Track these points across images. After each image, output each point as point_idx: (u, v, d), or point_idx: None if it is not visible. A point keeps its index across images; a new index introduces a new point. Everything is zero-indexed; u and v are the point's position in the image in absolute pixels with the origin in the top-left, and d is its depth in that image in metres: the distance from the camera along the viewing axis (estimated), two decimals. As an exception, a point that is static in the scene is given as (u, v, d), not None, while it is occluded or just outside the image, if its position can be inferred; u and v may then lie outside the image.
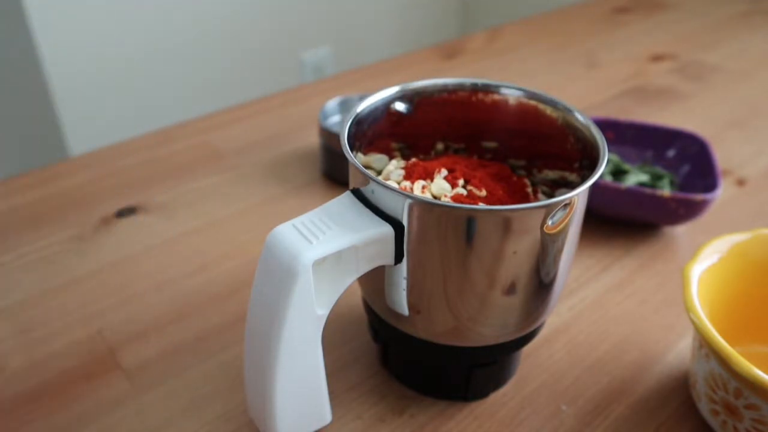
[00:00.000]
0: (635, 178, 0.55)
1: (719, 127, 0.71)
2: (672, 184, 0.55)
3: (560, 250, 0.33)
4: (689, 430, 0.38)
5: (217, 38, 1.48)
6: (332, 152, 0.58)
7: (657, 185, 0.54)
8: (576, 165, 0.38)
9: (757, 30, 0.97)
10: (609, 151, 0.59)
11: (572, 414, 0.39)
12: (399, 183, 0.36)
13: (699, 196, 0.49)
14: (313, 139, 0.66)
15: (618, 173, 0.56)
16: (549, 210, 0.31)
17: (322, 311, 0.32)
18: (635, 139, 0.59)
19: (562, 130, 0.38)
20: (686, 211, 0.50)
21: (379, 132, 0.39)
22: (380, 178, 0.37)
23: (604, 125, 0.59)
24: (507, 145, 0.41)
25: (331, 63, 1.76)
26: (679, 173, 0.57)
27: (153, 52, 1.40)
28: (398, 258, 0.32)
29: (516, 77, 0.81)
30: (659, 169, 0.57)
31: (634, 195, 0.50)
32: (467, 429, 0.38)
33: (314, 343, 0.32)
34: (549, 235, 0.32)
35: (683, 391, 0.41)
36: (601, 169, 0.32)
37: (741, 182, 0.61)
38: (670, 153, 0.58)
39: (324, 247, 0.30)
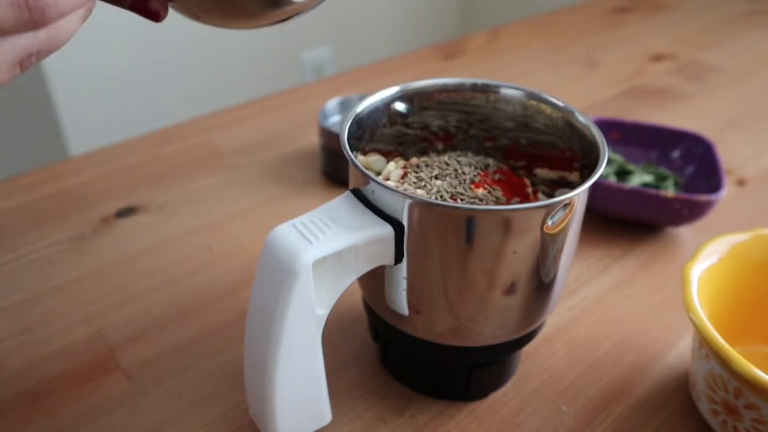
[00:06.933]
0: (639, 178, 0.55)
1: (719, 127, 0.71)
2: (676, 184, 0.55)
3: (560, 250, 0.33)
4: (689, 430, 0.38)
5: (217, 38, 1.48)
6: (332, 152, 0.58)
7: (661, 186, 0.54)
8: (576, 165, 0.38)
9: (757, 30, 0.97)
10: (614, 151, 0.59)
11: (572, 414, 0.39)
12: (399, 183, 0.37)
13: (703, 197, 0.49)
14: (313, 139, 0.66)
15: (622, 174, 0.56)
16: (549, 210, 0.31)
17: (322, 311, 0.32)
18: (640, 139, 0.59)
19: (562, 130, 0.38)
20: (690, 211, 0.50)
21: (378, 132, 0.39)
22: (380, 178, 0.37)
23: (609, 125, 0.59)
24: (507, 145, 0.41)
25: (331, 63, 1.76)
26: (684, 174, 0.57)
27: (153, 51, 1.40)
28: (398, 258, 0.32)
29: (516, 77, 0.81)
30: (664, 170, 0.57)
31: (638, 195, 0.50)
32: (467, 429, 0.38)
33: (314, 343, 0.32)
34: (549, 235, 0.32)
35: (683, 391, 0.41)
36: (601, 169, 0.32)
37: (741, 182, 0.61)
38: (675, 154, 0.58)
39: (324, 247, 0.30)
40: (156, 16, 0.29)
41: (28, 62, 0.25)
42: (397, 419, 0.38)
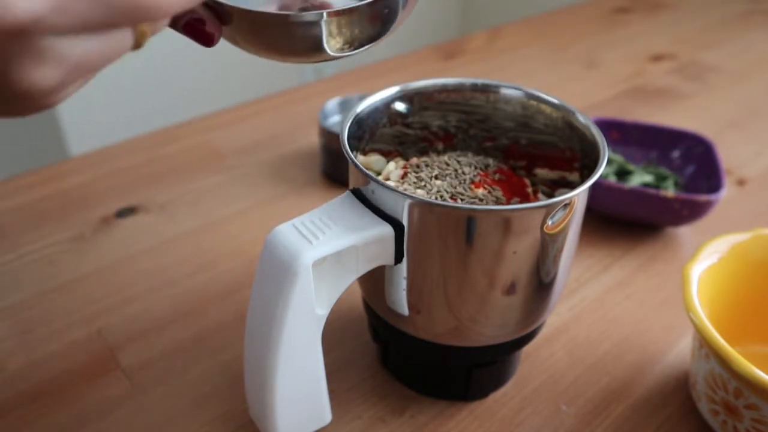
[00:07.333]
0: (639, 178, 0.55)
1: (719, 127, 0.71)
2: (676, 184, 0.55)
3: (560, 250, 0.33)
4: (689, 430, 0.38)
5: (217, 38, 1.48)
6: (332, 152, 0.58)
7: (661, 186, 0.54)
8: (576, 165, 0.38)
9: (757, 30, 0.97)
10: (614, 151, 0.59)
11: (572, 414, 0.39)
12: (399, 183, 0.37)
13: (703, 197, 0.49)
14: (313, 139, 0.66)
15: (622, 174, 0.56)
16: (549, 210, 0.31)
17: (322, 311, 0.32)
18: (640, 139, 0.59)
19: (562, 130, 0.38)
20: (690, 211, 0.50)
21: (378, 132, 0.39)
22: (380, 178, 0.37)
23: (609, 125, 0.59)
24: (507, 145, 0.41)
25: (331, 63, 1.76)
26: (684, 174, 0.57)
27: (153, 52, 1.40)
28: (398, 258, 0.32)
29: (516, 77, 0.81)
30: (664, 170, 0.57)
31: (638, 195, 0.50)
32: (467, 429, 0.38)
33: (314, 342, 0.32)
34: (549, 235, 0.32)
35: (683, 391, 0.41)
36: (601, 169, 0.32)
37: (741, 182, 0.61)
38: (675, 154, 0.58)
39: (324, 247, 0.30)
40: (210, 40, 0.27)
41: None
42: (397, 419, 0.38)
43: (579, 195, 0.31)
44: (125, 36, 0.22)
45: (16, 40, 0.20)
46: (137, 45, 0.23)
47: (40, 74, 0.21)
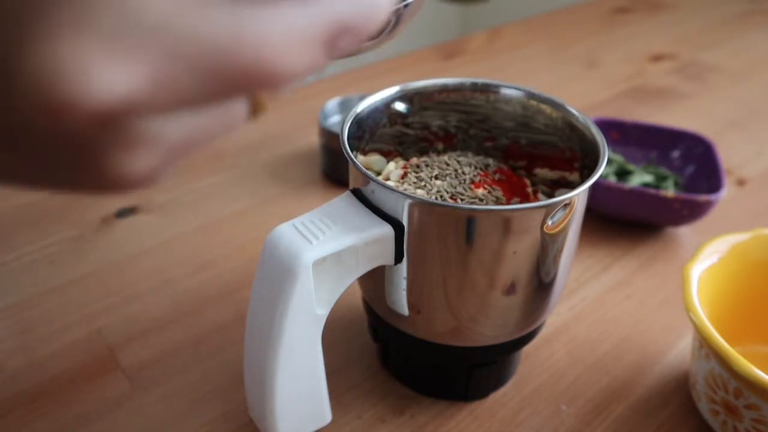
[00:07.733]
0: (639, 178, 0.55)
1: (719, 127, 0.71)
2: (676, 184, 0.55)
3: (560, 250, 0.33)
4: (689, 430, 0.38)
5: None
6: (332, 152, 0.58)
7: (661, 186, 0.54)
8: (576, 165, 0.38)
9: (757, 30, 0.97)
10: (614, 151, 0.59)
11: (572, 414, 0.39)
12: (399, 183, 0.37)
13: (703, 197, 0.49)
14: (313, 139, 0.66)
15: (622, 174, 0.56)
16: (549, 210, 0.31)
17: (322, 311, 0.32)
18: (640, 139, 0.59)
19: (562, 130, 0.38)
20: (690, 211, 0.50)
21: (378, 132, 0.39)
22: (380, 178, 0.37)
23: (609, 125, 0.59)
24: (507, 145, 0.41)
25: (330, 63, 1.76)
26: (684, 174, 0.57)
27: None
28: (398, 258, 0.32)
29: (516, 77, 0.81)
30: (664, 170, 0.57)
31: (638, 195, 0.50)
32: (467, 429, 0.38)
33: (314, 343, 0.32)
34: (549, 235, 0.32)
35: (683, 391, 0.41)
36: (601, 169, 0.32)
37: (741, 182, 0.61)
38: (675, 154, 0.58)
39: (324, 247, 0.30)
40: None
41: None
42: (397, 419, 0.38)
43: (579, 195, 0.31)
44: (238, 107, 0.18)
45: (103, 126, 0.15)
46: (254, 115, 0.19)
47: (134, 162, 0.17)
